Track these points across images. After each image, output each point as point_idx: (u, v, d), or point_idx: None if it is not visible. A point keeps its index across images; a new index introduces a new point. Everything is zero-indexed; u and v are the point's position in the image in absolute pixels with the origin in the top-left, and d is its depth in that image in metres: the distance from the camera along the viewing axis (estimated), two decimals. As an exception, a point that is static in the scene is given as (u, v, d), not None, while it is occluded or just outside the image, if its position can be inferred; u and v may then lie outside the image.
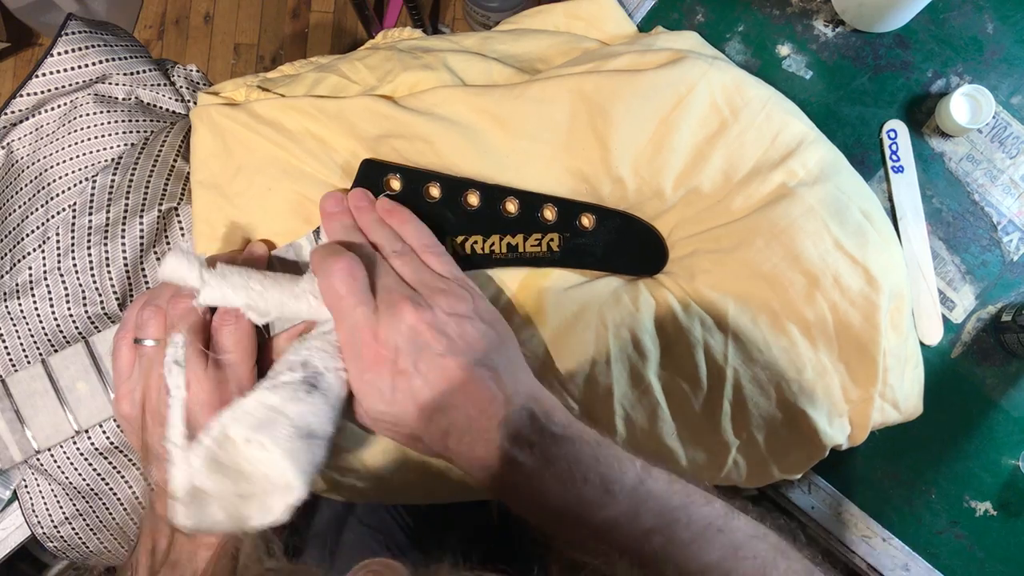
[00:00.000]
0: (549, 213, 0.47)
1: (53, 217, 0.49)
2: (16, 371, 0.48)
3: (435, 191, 0.46)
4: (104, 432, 0.49)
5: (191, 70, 0.59)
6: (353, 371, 0.39)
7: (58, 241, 0.49)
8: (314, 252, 0.41)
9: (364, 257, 0.40)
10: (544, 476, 0.37)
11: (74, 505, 0.51)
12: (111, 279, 0.48)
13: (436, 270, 0.41)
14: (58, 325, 0.49)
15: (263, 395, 0.38)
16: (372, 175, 0.45)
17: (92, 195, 0.49)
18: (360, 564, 0.30)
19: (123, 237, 0.49)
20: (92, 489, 0.50)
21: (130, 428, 0.44)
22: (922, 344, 0.56)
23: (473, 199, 0.46)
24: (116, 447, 0.49)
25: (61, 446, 0.49)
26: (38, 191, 0.50)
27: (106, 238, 0.48)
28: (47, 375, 0.46)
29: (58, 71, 0.52)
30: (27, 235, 0.49)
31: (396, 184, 0.45)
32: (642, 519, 0.37)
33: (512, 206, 0.46)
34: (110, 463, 0.50)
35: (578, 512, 0.36)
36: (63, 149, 0.51)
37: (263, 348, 0.45)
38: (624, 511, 0.37)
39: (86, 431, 0.48)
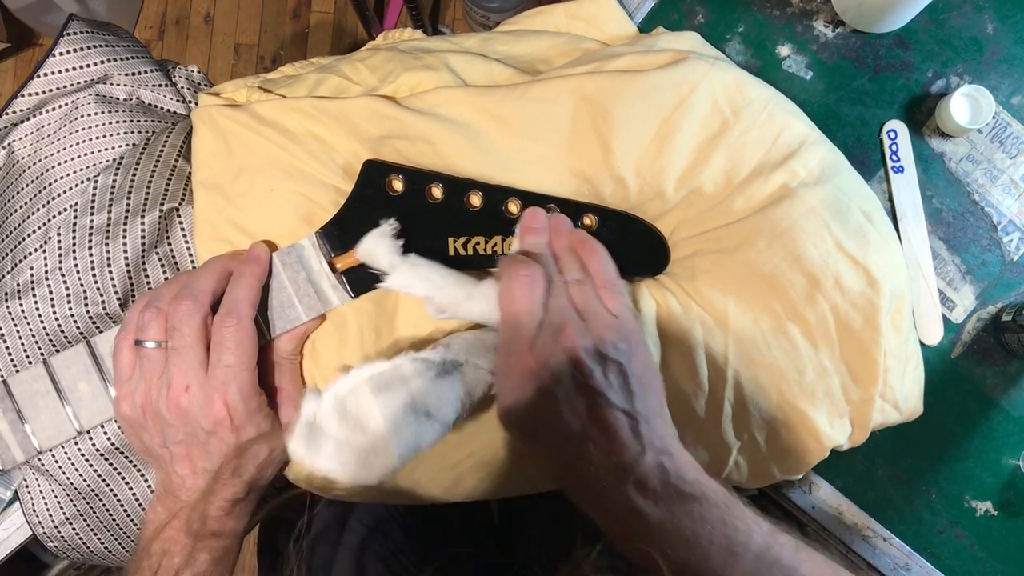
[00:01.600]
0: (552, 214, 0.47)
1: (54, 217, 0.49)
2: (18, 371, 0.48)
3: (437, 192, 0.46)
4: (105, 433, 0.49)
5: (192, 71, 0.59)
6: (501, 373, 0.40)
7: (59, 241, 0.49)
8: (504, 258, 0.42)
9: (547, 275, 0.41)
10: (667, 531, 0.36)
11: (75, 505, 0.51)
12: (112, 279, 0.48)
13: (609, 307, 0.41)
14: (59, 325, 0.49)
15: (401, 362, 0.40)
16: (374, 176, 0.45)
17: (93, 195, 0.49)
18: None
19: (124, 237, 0.49)
20: (93, 490, 0.50)
21: (131, 429, 0.44)
22: (922, 344, 0.56)
23: (475, 200, 0.46)
24: (117, 448, 0.49)
25: (62, 447, 0.49)
26: (39, 191, 0.50)
27: (107, 238, 0.48)
28: (49, 375, 0.46)
29: (59, 71, 0.52)
30: (28, 235, 0.49)
31: (398, 185, 0.45)
32: None
33: (514, 207, 0.46)
34: (111, 464, 0.50)
35: (699, 571, 0.36)
36: (64, 149, 0.51)
37: (265, 349, 0.45)
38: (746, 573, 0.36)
39: (87, 432, 0.48)
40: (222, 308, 0.43)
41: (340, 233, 0.46)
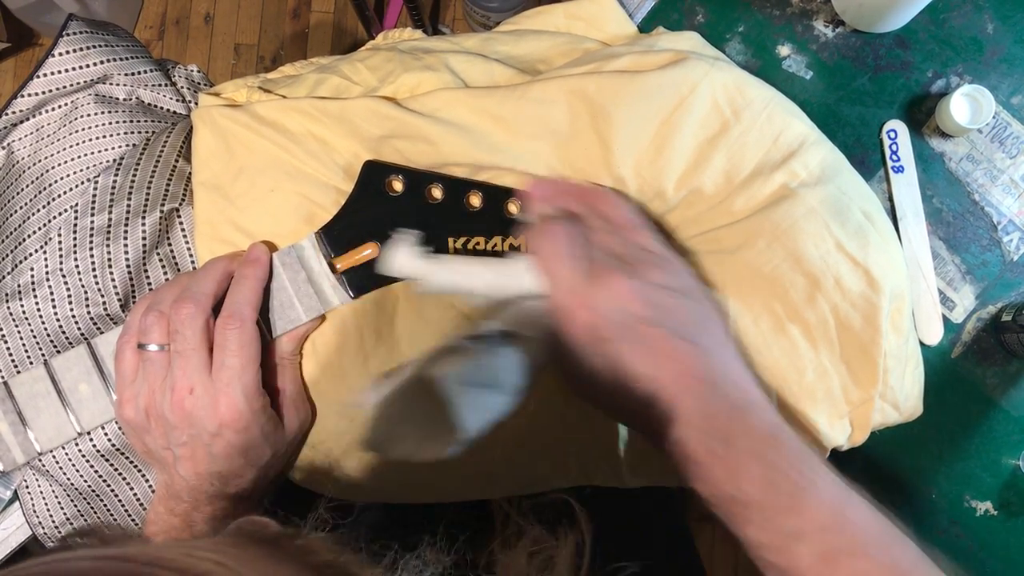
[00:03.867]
0: (551, 214, 0.47)
1: (55, 218, 0.49)
2: (18, 373, 0.49)
3: (437, 192, 0.46)
4: (106, 434, 0.49)
5: (192, 70, 0.59)
6: (559, 335, 0.39)
7: (60, 242, 0.49)
8: (529, 228, 0.42)
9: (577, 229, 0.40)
10: (740, 472, 0.36)
11: (75, 506, 0.51)
12: (113, 280, 0.48)
13: (645, 246, 0.41)
14: (60, 326, 0.49)
15: (455, 344, 0.38)
16: (374, 176, 0.45)
17: (94, 196, 0.49)
18: (233, 523, 0.29)
19: (125, 238, 0.49)
20: (93, 490, 0.50)
21: (133, 432, 0.44)
22: (922, 344, 0.56)
23: (475, 200, 0.46)
24: (118, 449, 0.49)
25: (62, 447, 0.49)
26: (39, 192, 0.50)
27: (108, 239, 0.48)
28: (49, 377, 0.46)
29: (59, 71, 0.52)
30: (29, 236, 0.49)
31: (398, 185, 0.45)
32: (829, 541, 0.35)
33: (514, 207, 0.46)
34: (111, 465, 0.50)
35: (766, 515, 0.36)
36: (64, 150, 0.51)
37: (266, 349, 0.45)
38: (815, 527, 0.35)
39: (88, 432, 0.48)
40: (224, 310, 0.43)
41: (340, 233, 0.46)
